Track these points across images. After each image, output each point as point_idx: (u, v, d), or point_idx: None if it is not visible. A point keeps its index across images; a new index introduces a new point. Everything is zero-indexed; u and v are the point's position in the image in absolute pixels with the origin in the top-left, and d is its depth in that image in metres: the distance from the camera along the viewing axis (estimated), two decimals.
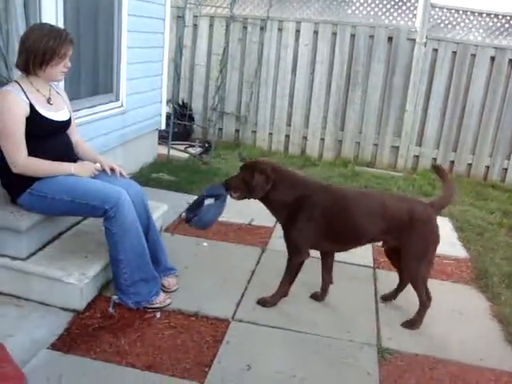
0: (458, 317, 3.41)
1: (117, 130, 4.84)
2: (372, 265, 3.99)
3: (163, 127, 6.20)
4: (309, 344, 2.95)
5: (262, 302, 3.25)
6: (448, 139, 7.06)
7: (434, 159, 7.11)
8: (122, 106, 5.01)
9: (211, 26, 7.40)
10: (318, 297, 3.39)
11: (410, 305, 3.44)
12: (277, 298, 3.27)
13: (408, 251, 3.13)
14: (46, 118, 3.02)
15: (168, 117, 6.44)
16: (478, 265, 4.17)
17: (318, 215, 3.08)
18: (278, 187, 3.08)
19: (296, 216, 3.09)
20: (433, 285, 3.74)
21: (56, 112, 3.11)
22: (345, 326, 3.14)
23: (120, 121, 4.98)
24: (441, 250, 4.27)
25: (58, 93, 3.22)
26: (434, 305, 3.47)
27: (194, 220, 3.15)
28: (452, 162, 7.11)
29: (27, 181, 2.98)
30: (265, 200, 3.14)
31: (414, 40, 6.81)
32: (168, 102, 6.52)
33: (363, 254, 4.15)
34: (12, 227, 3.01)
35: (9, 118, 2.87)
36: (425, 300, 3.19)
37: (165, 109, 6.16)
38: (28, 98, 2.94)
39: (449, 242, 4.57)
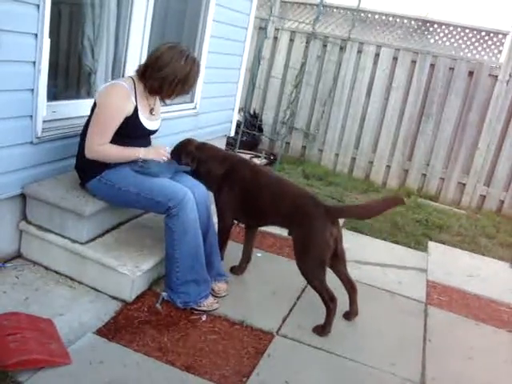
0: (510, 369, 3.25)
1: (188, 131, 4.90)
2: (424, 300, 3.87)
3: (232, 134, 6.25)
4: (350, 370, 2.88)
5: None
6: None
7: (502, 201, 6.85)
8: (195, 108, 5.09)
9: (291, 40, 7.46)
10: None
11: (461, 347, 3.33)
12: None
13: (293, 244, 3.23)
14: (143, 125, 3.16)
15: (238, 125, 6.50)
16: None
17: (237, 189, 3.38)
18: (207, 162, 3.43)
19: (222, 187, 3.42)
20: (486, 330, 3.64)
21: (152, 121, 3.25)
22: (390, 357, 3.06)
23: (192, 122, 5.06)
24: (498, 295, 4.19)
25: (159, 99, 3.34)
26: (485, 351, 3.37)
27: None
28: None
29: (98, 168, 3.08)
30: (197, 173, 3.43)
31: (496, 77, 6.61)
32: (240, 110, 6.58)
33: (416, 287, 4.06)
34: (76, 211, 3.10)
35: (112, 110, 2.99)
36: (328, 302, 3.11)
37: (236, 116, 6.21)
38: (136, 101, 3.07)
39: (508, 289, 4.39)
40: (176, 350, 2.73)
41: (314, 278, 3.14)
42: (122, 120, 3.01)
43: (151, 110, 3.22)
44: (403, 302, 3.81)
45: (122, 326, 2.84)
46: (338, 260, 3.23)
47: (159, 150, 3.21)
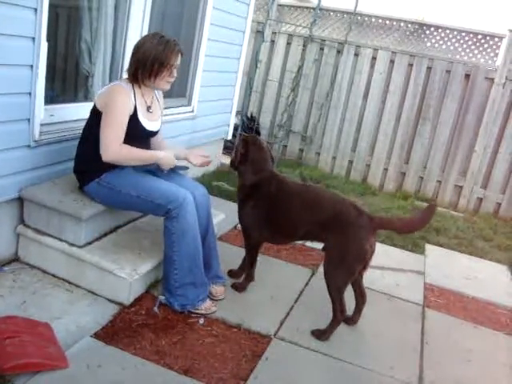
0: (508, 372, 3.25)
1: (185, 134, 4.92)
2: (422, 303, 3.87)
3: (229, 137, 6.26)
4: (348, 374, 2.88)
5: (238, 287, 3.46)
6: None
7: (499, 204, 6.87)
8: (192, 111, 5.10)
9: (289, 43, 7.48)
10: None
11: (458, 350, 3.34)
12: (245, 283, 3.50)
13: (327, 253, 3.12)
14: (142, 125, 3.15)
15: (235, 128, 6.51)
16: None
17: (263, 204, 3.28)
18: (249, 164, 3.30)
19: (247, 201, 3.33)
20: (484, 333, 3.64)
21: (151, 121, 3.23)
22: (388, 361, 3.06)
23: (189, 126, 5.06)
24: (495, 298, 4.20)
25: (157, 99, 3.33)
26: (483, 354, 3.37)
27: None
28: None
29: (97, 171, 3.08)
30: (238, 174, 3.39)
31: (493, 79, 6.63)
32: (237, 113, 6.59)
33: (414, 290, 4.07)
34: (74, 214, 3.09)
35: (120, 108, 2.99)
36: (338, 312, 3.08)
37: (233, 120, 6.22)
38: (135, 100, 3.07)
39: (505, 292, 4.40)
40: (174, 354, 2.72)
41: (337, 288, 3.09)
42: (128, 117, 3.01)
43: (148, 108, 3.20)
44: (401, 304, 3.82)
45: (120, 330, 2.84)
46: (361, 271, 3.19)
47: (170, 158, 3.18)
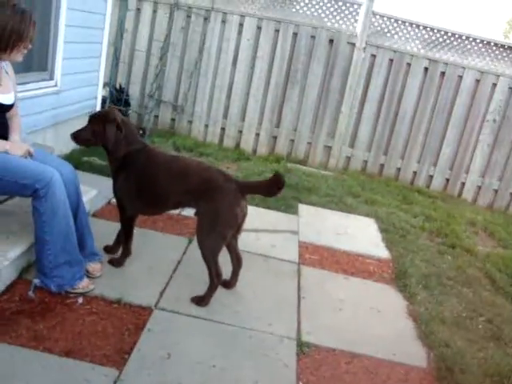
0: (376, 314, 3.55)
1: (49, 110, 4.70)
2: (297, 260, 4.07)
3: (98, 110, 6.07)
4: (230, 335, 2.99)
5: (115, 263, 3.45)
6: (379, 143, 7.28)
7: (365, 161, 7.32)
8: (56, 85, 4.86)
9: (155, 11, 7.28)
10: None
11: (332, 300, 3.56)
12: (123, 257, 3.47)
13: (199, 219, 3.20)
14: None
15: (104, 100, 6.32)
16: (398, 265, 4.33)
17: (133, 176, 3.27)
18: (121, 141, 3.25)
19: (119, 173, 3.30)
20: (354, 283, 3.91)
21: (3, 94, 3.03)
22: (267, 318, 3.20)
23: (53, 101, 4.83)
24: (364, 249, 4.51)
25: (6, 71, 3.11)
26: (354, 301, 3.63)
27: None
28: (382, 166, 7.34)
29: None
30: (106, 149, 3.32)
31: (354, 44, 6.97)
32: (105, 85, 6.39)
33: (289, 249, 4.26)
34: None
35: None
36: (214, 277, 3.19)
37: (101, 92, 6.03)
38: None
39: (373, 243, 4.74)
40: (53, 337, 2.66)
41: (211, 254, 3.15)
42: None
43: None
44: (277, 264, 3.99)
45: None
46: (234, 235, 3.28)
47: (21, 145, 3.02)
